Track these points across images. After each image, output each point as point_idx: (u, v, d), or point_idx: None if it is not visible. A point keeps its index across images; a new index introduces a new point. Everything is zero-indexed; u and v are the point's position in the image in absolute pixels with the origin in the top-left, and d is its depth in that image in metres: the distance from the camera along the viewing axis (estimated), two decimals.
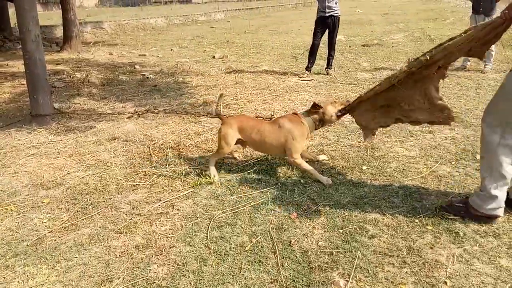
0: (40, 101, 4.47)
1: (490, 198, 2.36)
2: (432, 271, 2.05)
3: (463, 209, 2.48)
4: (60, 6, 9.60)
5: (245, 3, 30.04)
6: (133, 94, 5.86)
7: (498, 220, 2.42)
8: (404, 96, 2.63)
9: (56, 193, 2.98)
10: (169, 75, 7.08)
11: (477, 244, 2.24)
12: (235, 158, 3.46)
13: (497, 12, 6.09)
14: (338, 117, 3.00)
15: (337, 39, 6.79)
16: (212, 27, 16.35)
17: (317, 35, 6.62)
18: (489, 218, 2.40)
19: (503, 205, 2.39)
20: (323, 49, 7.32)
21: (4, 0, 10.29)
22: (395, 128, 3.99)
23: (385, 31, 12.18)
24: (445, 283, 1.97)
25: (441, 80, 2.51)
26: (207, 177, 3.07)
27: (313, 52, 6.72)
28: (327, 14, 6.39)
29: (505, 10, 2.17)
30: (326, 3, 6.32)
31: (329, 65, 6.83)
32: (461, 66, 6.51)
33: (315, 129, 3.08)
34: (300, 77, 6.58)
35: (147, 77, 6.84)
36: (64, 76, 6.78)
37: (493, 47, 6.34)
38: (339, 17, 6.51)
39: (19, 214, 2.71)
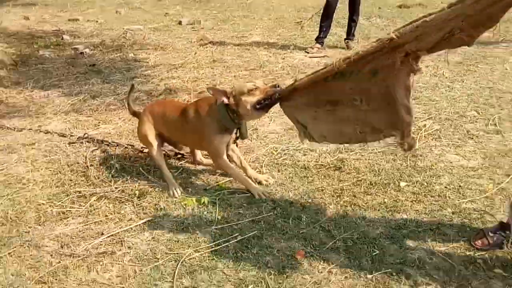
0: None
1: None
2: None
3: None
4: None
5: None
6: (61, 77, 5.89)
7: None
8: (358, 89, 2.54)
9: None
10: (114, 49, 7.11)
11: None
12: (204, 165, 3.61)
13: None
14: (259, 110, 3.00)
15: None
16: None
17: None
18: None
19: None
20: (341, 12, 7.41)
21: None
22: (446, 127, 4.06)
23: None
24: None
25: (412, 77, 2.39)
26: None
27: (327, 17, 6.80)
28: None
29: None
30: None
31: (350, 35, 6.92)
32: None
33: (235, 124, 3.13)
34: (308, 52, 6.65)
35: (81, 53, 6.86)
36: None
37: None
38: None
39: None
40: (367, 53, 2.40)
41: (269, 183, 3.34)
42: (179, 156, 3.77)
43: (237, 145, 3.40)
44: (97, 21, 9.18)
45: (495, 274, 2.43)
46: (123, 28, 8.35)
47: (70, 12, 10.20)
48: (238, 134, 3.24)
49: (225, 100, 3.03)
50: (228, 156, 3.32)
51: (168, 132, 3.44)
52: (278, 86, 2.93)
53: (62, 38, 7.71)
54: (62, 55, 6.82)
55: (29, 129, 4.32)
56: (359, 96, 2.54)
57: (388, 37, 2.29)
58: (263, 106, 2.97)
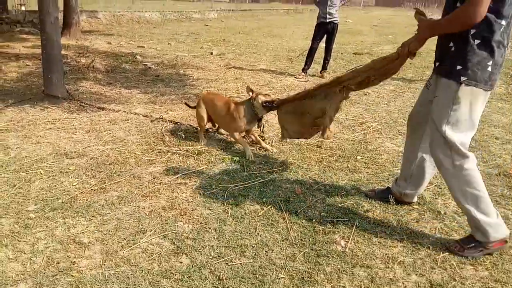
0: (54, 80, 4.72)
1: None
2: (418, 239, 2.45)
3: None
4: None
5: (238, 4, 30.38)
6: (137, 82, 6.13)
7: None
8: (315, 106, 2.92)
9: (81, 162, 3.26)
10: (170, 67, 7.35)
11: (455, 221, 2.65)
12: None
13: None
14: (265, 107, 3.42)
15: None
16: (207, 25, 16.65)
17: (316, 39, 7.05)
18: None
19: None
20: (319, 54, 7.71)
21: None
22: (385, 127, 4.42)
23: (374, 41, 12.75)
24: (428, 248, 2.37)
25: (343, 101, 2.80)
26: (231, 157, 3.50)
27: (310, 55, 7.12)
28: (328, 20, 6.85)
29: (400, 47, 2.35)
30: (328, 9, 6.77)
31: (324, 68, 7.25)
32: None
33: (256, 116, 3.54)
34: (296, 78, 6.95)
35: (149, 67, 7.09)
36: (68, 60, 6.96)
37: None
38: (338, 24, 6.97)
39: (49, 177, 2.98)
40: (324, 84, 2.84)
41: (273, 151, 3.63)
42: (209, 129, 4.09)
43: (262, 137, 3.76)
44: (156, 49, 9.42)
45: (413, 208, 2.76)
46: (175, 54, 8.61)
47: (137, 42, 10.42)
48: (261, 129, 3.68)
49: (250, 94, 3.52)
50: (248, 134, 3.76)
51: (212, 113, 3.78)
52: (279, 98, 3.43)
53: (136, 57, 7.94)
54: (136, 68, 7.07)
55: (123, 111, 4.58)
56: (314, 110, 2.97)
57: (336, 76, 2.74)
58: (267, 106, 3.40)
